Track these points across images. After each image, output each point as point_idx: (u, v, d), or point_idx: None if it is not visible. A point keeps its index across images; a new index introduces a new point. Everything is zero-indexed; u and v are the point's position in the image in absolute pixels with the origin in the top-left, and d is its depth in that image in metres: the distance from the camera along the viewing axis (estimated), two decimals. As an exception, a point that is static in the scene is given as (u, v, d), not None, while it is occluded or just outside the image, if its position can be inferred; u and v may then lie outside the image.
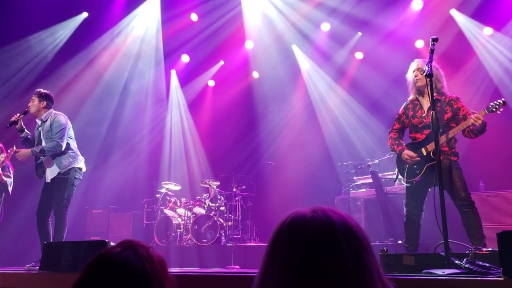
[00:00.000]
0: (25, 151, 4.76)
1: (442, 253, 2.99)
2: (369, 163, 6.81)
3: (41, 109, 4.92)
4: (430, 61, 3.44)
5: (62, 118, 4.92)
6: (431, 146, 3.89)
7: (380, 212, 6.47)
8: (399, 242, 5.97)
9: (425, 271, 2.80)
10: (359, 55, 8.54)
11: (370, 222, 6.59)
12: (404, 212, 4.08)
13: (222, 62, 9.55)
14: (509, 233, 2.60)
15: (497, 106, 3.67)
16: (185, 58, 9.46)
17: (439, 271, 2.77)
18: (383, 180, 6.55)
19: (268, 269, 0.98)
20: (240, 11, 8.43)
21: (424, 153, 3.95)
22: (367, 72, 8.25)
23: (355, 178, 7.01)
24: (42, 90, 5.02)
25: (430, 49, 3.58)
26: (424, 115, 4.02)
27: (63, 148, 4.80)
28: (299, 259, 0.94)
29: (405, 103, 4.19)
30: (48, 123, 4.86)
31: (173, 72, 9.74)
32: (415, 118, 4.04)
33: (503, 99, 3.71)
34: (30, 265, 4.38)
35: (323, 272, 0.92)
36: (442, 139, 3.77)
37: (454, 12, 7.32)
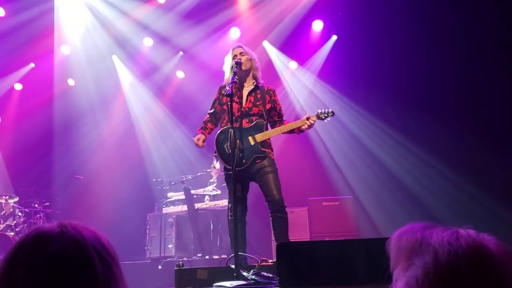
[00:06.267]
0: None
1: (233, 266, 3.17)
2: (183, 179, 6.91)
3: None
4: (232, 82, 3.67)
5: None
6: (260, 137, 3.75)
7: (191, 228, 6.61)
8: (206, 257, 6.17)
9: (215, 284, 2.94)
10: (180, 74, 8.69)
11: (181, 238, 6.68)
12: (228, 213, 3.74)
13: (32, 65, 8.70)
14: (285, 244, 2.90)
15: (327, 115, 3.84)
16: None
17: (227, 284, 2.93)
18: (195, 196, 6.71)
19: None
20: (54, 11, 7.83)
21: (252, 143, 3.74)
22: (187, 90, 8.43)
23: (169, 194, 7.04)
24: None
25: (233, 72, 3.82)
26: (242, 100, 3.86)
27: None
28: (46, 276, 0.90)
29: (220, 87, 3.99)
30: None
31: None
32: (234, 103, 3.75)
33: (332, 110, 3.87)
34: None
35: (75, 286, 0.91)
36: (269, 134, 3.79)
37: (266, 44, 8.02)
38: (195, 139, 3.91)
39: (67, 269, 0.91)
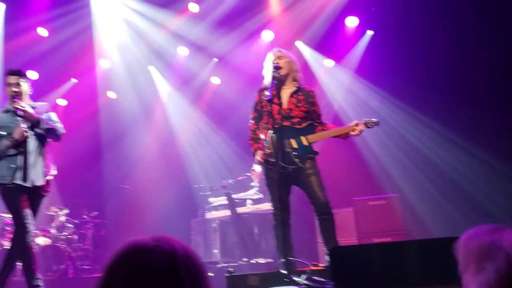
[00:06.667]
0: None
1: (284, 271, 3.16)
2: (224, 184, 6.94)
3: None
4: (272, 87, 3.66)
5: None
6: (313, 138, 3.80)
7: (235, 233, 6.62)
8: (252, 261, 6.17)
9: (267, 290, 2.94)
10: (216, 80, 8.77)
11: (225, 243, 6.69)
12: (273, 215, 3.78)
13: (74, 80, 9.00)
14: (339, 248, 2.87)
15: (372, 124, 3.87)
16: (32, 75, 8.66)
17: (279, 289, 2.92)
18: (236, 201, 6.72)
19: None
20: (92, 27, 8.07)
21: (305, 143, 3.79)
22: (224, 96, 8.50)
23: (210, 199, 7.08)
24: None
25: (273, 76, 3.81)
26: (282, 102, 3.83)
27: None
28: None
29: (260, 90, 3.99)
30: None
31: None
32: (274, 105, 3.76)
33: (376, 120, 3.88)
34: None
35: None
36: (321, 136, 3.87)
37: (299, 44, 7.97)
38: (257, 157, 3.88)
39: (158, 282, 0.94)
